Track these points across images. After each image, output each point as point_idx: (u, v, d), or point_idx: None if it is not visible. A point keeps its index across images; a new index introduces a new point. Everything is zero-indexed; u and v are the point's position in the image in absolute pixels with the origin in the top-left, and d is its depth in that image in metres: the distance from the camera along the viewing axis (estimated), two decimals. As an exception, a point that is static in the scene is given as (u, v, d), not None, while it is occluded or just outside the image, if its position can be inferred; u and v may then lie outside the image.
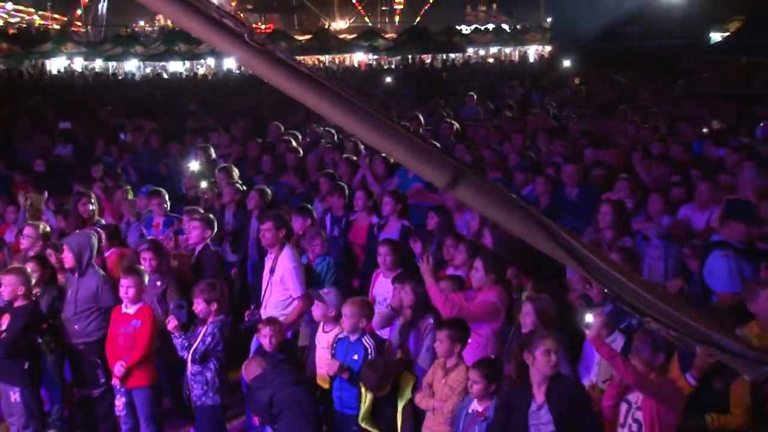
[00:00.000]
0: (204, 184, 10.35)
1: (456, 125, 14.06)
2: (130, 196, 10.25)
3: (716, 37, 38.10)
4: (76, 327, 7.40)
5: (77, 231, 8.41)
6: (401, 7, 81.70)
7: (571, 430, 5.31)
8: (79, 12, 68.14)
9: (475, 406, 5.75)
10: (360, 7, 77.04)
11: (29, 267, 7.49)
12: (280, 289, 7.71)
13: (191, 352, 6.75)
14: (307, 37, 49.56)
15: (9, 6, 66.80)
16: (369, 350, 6.52)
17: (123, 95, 26.78)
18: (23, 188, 10.74)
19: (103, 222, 9.24)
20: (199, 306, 6.80)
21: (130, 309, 7.17)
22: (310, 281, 7.82)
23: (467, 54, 50.30)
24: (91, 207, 9.37)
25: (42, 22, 67.06)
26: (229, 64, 43.49)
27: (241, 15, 75.92)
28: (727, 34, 37.68)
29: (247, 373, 6.61)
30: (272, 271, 7.76)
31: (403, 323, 6.99)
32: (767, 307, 5.84)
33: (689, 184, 9.00)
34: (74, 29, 61.27)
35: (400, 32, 54.00)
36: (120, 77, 39.99)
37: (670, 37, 33.55)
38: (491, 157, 11.23)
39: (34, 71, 41.38)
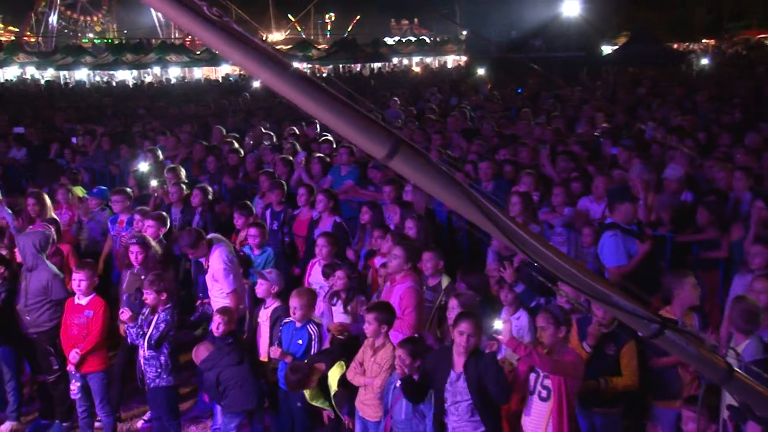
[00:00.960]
0: (154, 183, 10.16)
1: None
2: (81, 194, 10.02)
3: (607, 49, 38.97)
4: (28, 318, 7.28)
5: (29, 228, 8.19)
6: (332, 20, 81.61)
7: (485, 398, 5.34)
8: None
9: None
10: (295, 21, 76.64)
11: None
12: (215, 285, 7.59)
13: (146, 338, 6.66)
14: (247, 47, 49.10)
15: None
16: (313, 336, 6.52)
17: (74, 102, 26.02)
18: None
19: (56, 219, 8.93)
20: (149, 296, 6.72)
21: (82, 300, 7.04)
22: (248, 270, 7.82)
23: (392, 63, 50.48)
24: (39, 206, 8.99)
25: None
26: (174, 72, 42.88)
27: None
28: (616, 47, 38.58)
29: (197, 356, 6.63)
30: (207, 270, 7.66)
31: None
32: (691, 293, 5.93)
33: (587, 178, 9.15)
34: (26, 40, 59.93)
35: (331, 43, 53.89)
36: (71, 85, 39.01)
37: (568, 50, 34.15)
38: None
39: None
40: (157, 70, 42.86)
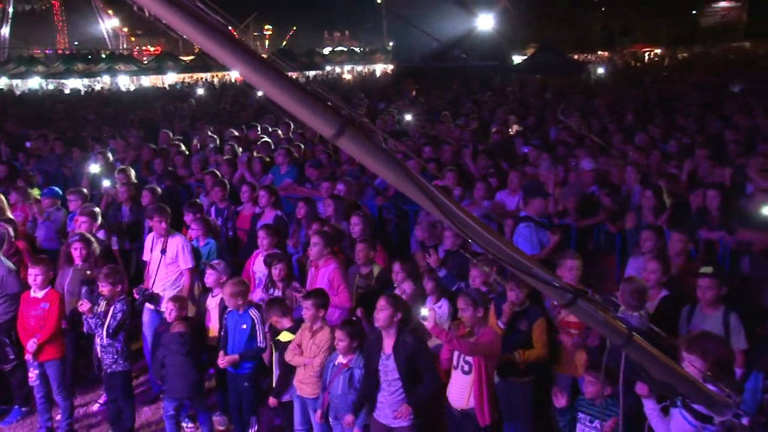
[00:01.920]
0: (106, 184, 9.90)
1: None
2: (36, 195, 9.68)
3: (517, 59, 39.61)
4: None
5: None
6: (270, 33, 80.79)
7: (413, 375, 5.37)
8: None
9: (340, 359, 5.78)
10: (235, 33, 75.49)
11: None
12: (172, 268, 7.56)
13: (105, 328, 6.51)
14: (191, 57, 48.11)
15: None
16: (255, 320, 6.47)
17: (27, 108, 25.03)
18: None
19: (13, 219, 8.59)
20: (105, 288, 6.57)
21: (38, 293, 6.85)
22: (197, 261, 7.74)
23: (326, 71, 50.24)
24: None
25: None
26: (123, 81, 41.79)
27: (132, 39, 72.92)
28: (525, 57, 39.24)
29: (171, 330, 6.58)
30: (164, 251, 7.57)
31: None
32: (568, 273, 6.03)
33: (503, 174, 9.27)
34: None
35: (270, 53, 53.19)
36: (24, 93, 37.53)
37: (483, 59, 34.57)
38: (347, 154, 11.19)
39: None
40: (107, 78, 41.63)
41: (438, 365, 5.74)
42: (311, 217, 8.15)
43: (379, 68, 54.32)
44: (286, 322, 6.22)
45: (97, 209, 8.45)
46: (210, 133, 13.98)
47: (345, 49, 63.31)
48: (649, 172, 9.07)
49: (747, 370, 5.47)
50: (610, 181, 8.97)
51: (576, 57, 47.71)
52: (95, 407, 7.52)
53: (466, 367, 5.49)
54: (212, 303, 6.97)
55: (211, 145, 12.84)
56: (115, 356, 6.57)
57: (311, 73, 46.27)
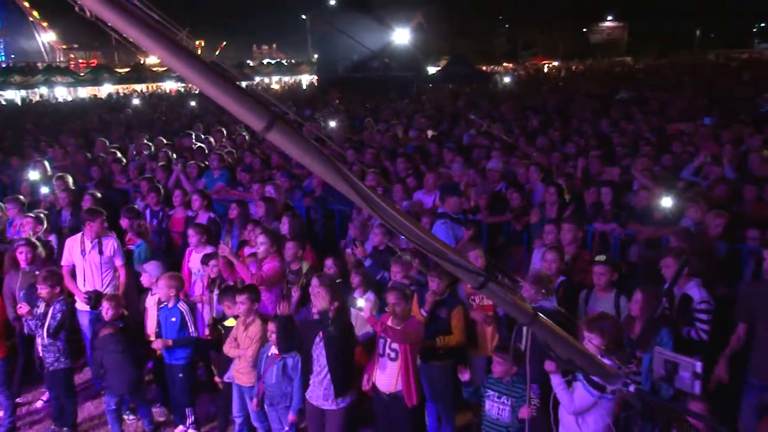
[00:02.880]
0: (45, 191, 9.51)
1: (247, 135, 13.92)
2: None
3: (432, 69, 40.04)
4: None
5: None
6: (202, 46, 79.07)
7: (341, 358, 5.35)
8: None
9: (273, 350, 5.71)
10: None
11: None
12: (107, 267, 7.36)
13: (45, 328, 6.23)
14: (126, 69, 46.51)
15: None
16: (184, 313, 6.38)
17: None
18: None
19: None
20: (44, 291, 6.30)
21: (-19, 297, 6.52)
22: (131, 261, 7.58)
23: (255, 82, 49.47)
24: None
25: None
26: (61, 92, 40.06)
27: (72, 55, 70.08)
28: (439, 68, 39.73)
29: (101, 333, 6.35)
30: (101, 252, 7.34)
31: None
32: (476, 260, 6.12)
33: (420, 175, 9.34)
34: None
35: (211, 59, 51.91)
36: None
37: (401, 70, 34.78)
38: (277, 159, 11.08)
39: None
40: (44, 90, 39.73)
41: (361, 350, 5.76)
42: (243, 219, 8.04)
43: (305, 79, 53.83)
44: (236, 310, 6.14)
45: (42, 214, 8.16)
46: (145, 141, 13.65)
47: (273, 61, 62.44)
48: (551, 172, 9.33)
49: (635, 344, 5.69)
50: (516, 180, 9.17)
51: (484, 68, 48.61)
52: (38, 404, 7.22)
53: (393, 354, 5.51)
54: (150, 301, 6.81)
55: (146, 152, 12.50)
56: (57, 355, 6.31)
57: (242, 84, 45.40)
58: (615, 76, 35.31)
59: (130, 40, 1.69)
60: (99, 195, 8.99)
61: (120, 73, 44.54)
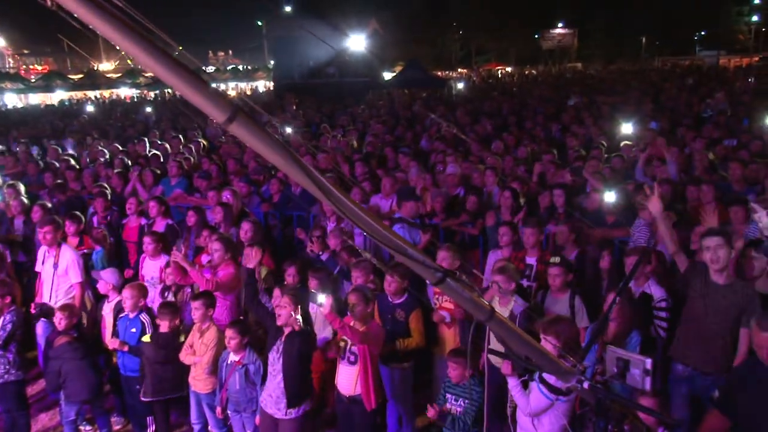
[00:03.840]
0: None
1: (204, 142, 13.76)
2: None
3: (387, 75, 40.20)
4: None
5: None
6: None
7: (292, 368, 5.28)
8: None
9: (233, 357, 5.63)
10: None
11: None
12: (63, 280, 7.14)
13: None
14: (80, 76, 45.47)
15: None
16: (146, 324, 6.22)
17: None
18: None
19: None
20: None
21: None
22: (88, 268, 7.39)
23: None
24: None
25: None
26: (11, 99, 38.96)
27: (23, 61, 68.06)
28: (395, 73, 39.90)
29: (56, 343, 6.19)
30: (56, 265, 7.13)
31: None
32: (443, 261, 6.14)
33: (377, 179, 9.35)
34: None
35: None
36: None
37: (357, 76, 34.82)
38: (234, 165, 10.97)
39: None
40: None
41: (321, 355, 5.74)
42: (201, 225, 7.93)
43: (262, 85, 53.44)
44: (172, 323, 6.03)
45: None
46: (100, 148, 13.38)
47: (229, 68, 61.77)
48: (506, 175, 9.43)
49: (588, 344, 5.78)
50: (472, 183, 9.24)
51: (439, 73, 49.03)
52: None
53: (353, 358, 5.50)
54: (107, 309, 6.68)
55: (102, 159, 12.22)
56: (7, 366, 6.11)
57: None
58: (566, 80, 35.98)
59: (91, 27, 1.64)
60: (49, 204, 8.75)
61: (73, 79, 43.56)
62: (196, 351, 5.89)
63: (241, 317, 6.61)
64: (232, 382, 5.65)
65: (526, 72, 57.99)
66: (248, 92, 49.64)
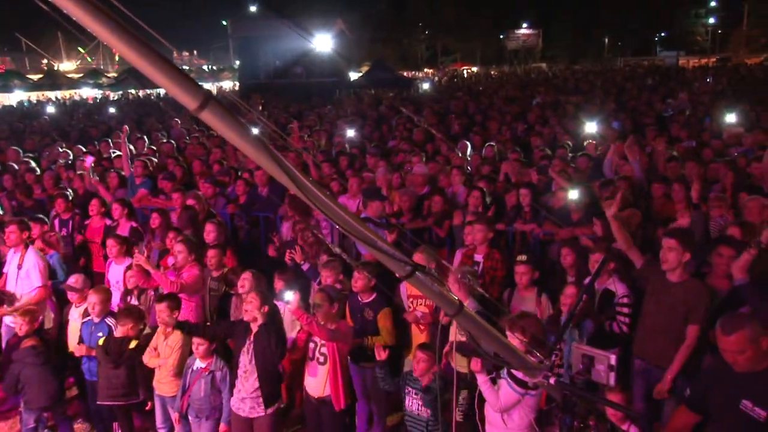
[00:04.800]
0: None
1: (173, 142, 13.60)
2: None
3: (354, 75, 40.18)
4: None
5: None
6: (120, 52, 76.45)
7: (265, 365, 5.28)
8: None
9: (200, 363, 5.56)
10: (84, 52, 70.89)
11: None
12: (26, 282, 6.98)
13: None
14: (39, 76, 44.43)
15: None
16: (113, 328, 6.10)
17: None
18: None
19: None
20: None
21: None
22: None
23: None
24: None
25: None
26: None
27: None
28: (361, 74, 39.89)
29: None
30: (20, 267, 6.98)
31: None
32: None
33: (345, 180, 9.32)
34: None
35: (120, 71, 50.21)
36: None
37: (323, 76, 34.71)
38: (199, 167, 10.84)
39: None
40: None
41: (288, 356, 5.71)
42: (165, 228, 7.82)
43: (228, 85, 52.93)
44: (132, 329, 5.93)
45: None
46: (62, 149, 13.09)
47: (194, 67, 61.11)
48: (472, 175, 9.48)
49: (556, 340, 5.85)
50: (438, 184, 9.27)
51: (405, 74, 49.14)
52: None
53: (322, 359, 5.49)
54: (75, 314, 6.56)
55: (62, 161, 11.97)
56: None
57: (163, 90, 44.20)
58: (531, 81, 36.34)
59: (64, 12, 1.60)
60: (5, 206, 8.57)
61: (32, 79, 42.57)
62: (161, 354, 5.80)
63: (207, 322, 6.53)
64: (196, 389, 5.56)
65: (492, 72, 58.45)
66: (214, 93, 49.08)
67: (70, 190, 9.56)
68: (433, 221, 8.06)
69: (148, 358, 5.83)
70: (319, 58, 35.44)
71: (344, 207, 2.11)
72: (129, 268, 6.82)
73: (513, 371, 4.26)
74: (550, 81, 34.28)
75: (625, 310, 5.53)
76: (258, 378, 5.28)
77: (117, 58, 76.88)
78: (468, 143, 11.81)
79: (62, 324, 6.71)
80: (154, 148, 13.10)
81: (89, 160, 9.99)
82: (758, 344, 3.55)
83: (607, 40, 75.79)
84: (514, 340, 3.98)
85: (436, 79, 46.91)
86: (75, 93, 42.37)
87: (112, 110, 25.05)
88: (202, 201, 8.51)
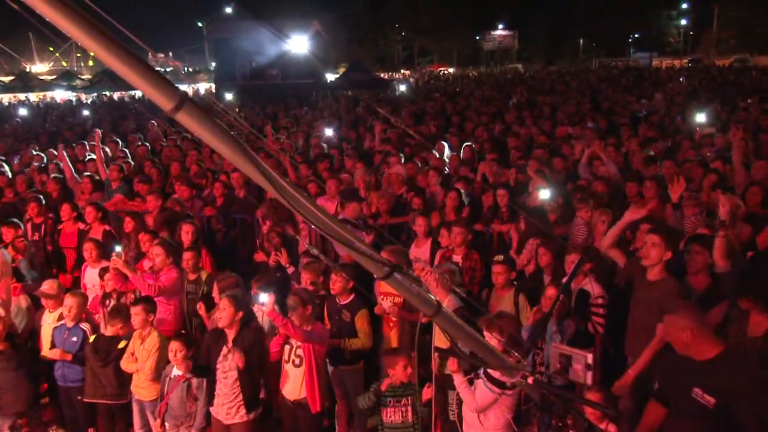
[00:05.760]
0: None
1: (148, 145, 13.45)
2: None
3: (331, 77, 40.11)
4: None
5: None
6: (93, 55, 75.66)
7: (245, 371, 5.27)
8: None
9: (176, 371, 5.50)
10: (57, 54, 69.86)
11: None
12: None
13: None
14: (11, 78, 43.69)
15: None
16: (87, 333, 6.04)
17: None
18: None
19: None
20: None
21: None
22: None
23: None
24: None
25: None
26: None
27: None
28: (338, 75, 39.83)
29: None
30: None
31: None
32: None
33: (322, 181, 9.29)
34: None
35: (94, 74, 49.57)
36: None
37: (300, 78, 34.57)
38: (176, 169, 10.74)
39: None
40: None
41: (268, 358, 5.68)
42: (140, 230, 7.73)
43: (203, 87, 52.51)
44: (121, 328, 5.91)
45: None
46: (35, 152, 12.90)
47: (170, 70, 60.47)
48: (449, 176, 9.50)
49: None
50: (417, 184, 9.27)
51: (382, 75, 49.15)
52: None
53: (297, 361, 5.47)
54: (48, 319, 6.48)
55: (36, 164, 11.79)
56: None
57: (138, 93, 43.67)
58: (507, 82, 36.55)
59: (37, 12, 1.57)
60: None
61: (3, 81, 41.86)
62: (138, 358, 5.75)
63: (185, 325, 6.48)
64: (173, 397, 5.51)
65: (469, 73, 58.71)
66: (190, 94, 48.72)
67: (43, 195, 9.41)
68: (411, 220, 8.07)
69: (125, 363, 5.79)
70: (296, 60, 35.29)
71: (322, 208, 2.10)
72: (104, 271, 6.74)
73: (489, 371, 4.27)
74: (526, 81, 34.52)
75: (601, 310, 5.56)
76: (239, 384, 5.26)
77: (91, 60, 76.15)
78: (445, 144, 11.84)
79: (35, 329, 6.61)
80: (127, 150, 12.94)
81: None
82: (688, 333, 3.71)
83: (581, 41, 76.52)
84: (492, 340, 3.99)
85: (412, 80, 47.02)
86: (48, 95, 41.75)
87: (86, 113, 24.70)
88: (176, 202, 8.44)
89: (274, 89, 32.69)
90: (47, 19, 1.58)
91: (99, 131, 11.19)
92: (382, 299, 6.15)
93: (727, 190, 7.17)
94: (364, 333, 5.91)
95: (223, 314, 5.31)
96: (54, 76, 46.26)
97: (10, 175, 11.04)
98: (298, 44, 35.57)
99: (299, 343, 5.42)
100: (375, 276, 2.22)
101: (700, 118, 12.12)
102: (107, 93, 39.67)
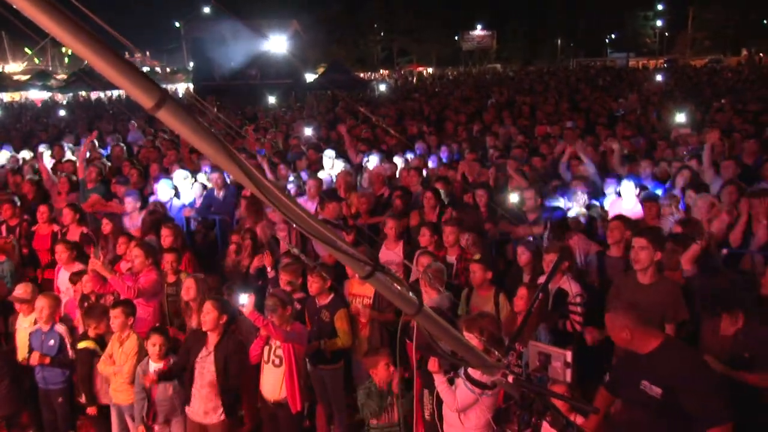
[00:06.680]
0: None
1: (122, 145, 13.32)
2: None
3: (310, 77, 40.00)
4: None
5: None
6: (71, 51, 74.68)
7: (227, 371, 5.26)
8: None
9: (155, 365, 5.48)
10: (32, 53, 68.82)
11: None
12: None
13: None
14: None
15: None
16: (64, 335, 6.00)
17: None
18: None
19: None
20: None
21: None
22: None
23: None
24: None
25: None
26: None
27: None
28: (317, 75, 39.73)
29: None
30: None
31: None
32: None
33: (302, 182, 9.27)
34: None
35: (70, 74, 48.89)
36: None
37: (279, 78, 34.42)
38: (155, 170, 10.65)
39: None
40: None
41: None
42: (118, 232, 7.68)
43: (182, 87, 52.06)
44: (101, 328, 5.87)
45: None
46: (13, 154, 12.75)
47: (147, 70, 59.89)
48: (429, 176, 9.52)
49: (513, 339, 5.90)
50: (396, 184, 9.27)
51: (361, 75, 49.12)
52: None
53: (277, 361, 5.45)
54: (23, 323, 6.40)
55: (9, 166, 11.62)
56: None
57: (116, 93, 43.24)
58: (486, 82, 36.73)
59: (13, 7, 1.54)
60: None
61: (-24, 82, 41.13)
62: (116, 361, 5.69)
63: (166, 326, 6.43)
64: (161, 391, 5.47)
65: (448, 73, 58.89)
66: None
67: (17, 196, 9.28)
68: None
69: (103, 366, 5.73)
70: (274, 60, 35.12)
71: (304, 208, 2.09)
72: (76, 275, 6.66)
73: (470, 372, 4.29)
74: (505, 81, 34.71)
75: (579, 309, 5.61)
76: (218, 385, 5.24)
77: (67, 59, 75.11)
78: (424, 144, 11.87)
79: (9, 334, 6.52)
80: (101, 151, 12.81)
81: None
82: (627, 331, 3.96)
83: (559, 41, 77.13)
84: (473, 339, 4.00)
85: (391, 81, 47.05)
86: (22, 95, 41.10)
87: (62, 113, 24.37)
88: (157, 204, 8.38)
89: (253, 89, 32.52)
90: (24, 14, 1.55)
91: (96, 132, 11.04)
92: (352, 300, 6.16)
93: (700, 188, 7.30)
94: (343, 332, 5.91)
95: (207, 318, 5.27)
96: (28, 76, 45.53)
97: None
98: (277, 44, 35.39)
99: (279, 344, 5.41)
100: (358, 276, 2.21)
101: (678, 118, 12.26)
102: (83, 93, 39.17)
